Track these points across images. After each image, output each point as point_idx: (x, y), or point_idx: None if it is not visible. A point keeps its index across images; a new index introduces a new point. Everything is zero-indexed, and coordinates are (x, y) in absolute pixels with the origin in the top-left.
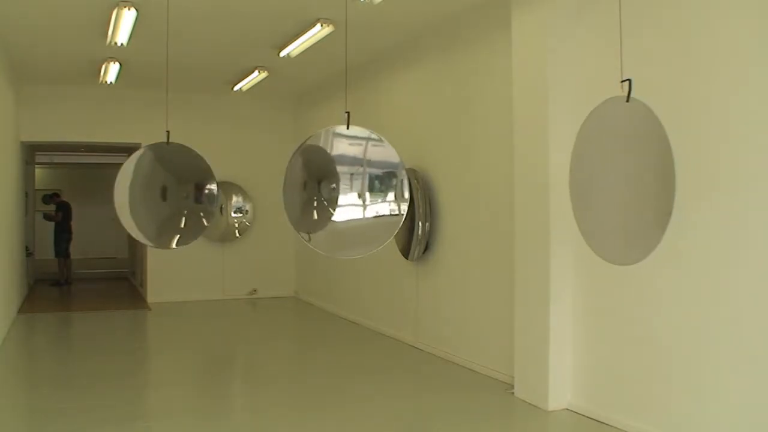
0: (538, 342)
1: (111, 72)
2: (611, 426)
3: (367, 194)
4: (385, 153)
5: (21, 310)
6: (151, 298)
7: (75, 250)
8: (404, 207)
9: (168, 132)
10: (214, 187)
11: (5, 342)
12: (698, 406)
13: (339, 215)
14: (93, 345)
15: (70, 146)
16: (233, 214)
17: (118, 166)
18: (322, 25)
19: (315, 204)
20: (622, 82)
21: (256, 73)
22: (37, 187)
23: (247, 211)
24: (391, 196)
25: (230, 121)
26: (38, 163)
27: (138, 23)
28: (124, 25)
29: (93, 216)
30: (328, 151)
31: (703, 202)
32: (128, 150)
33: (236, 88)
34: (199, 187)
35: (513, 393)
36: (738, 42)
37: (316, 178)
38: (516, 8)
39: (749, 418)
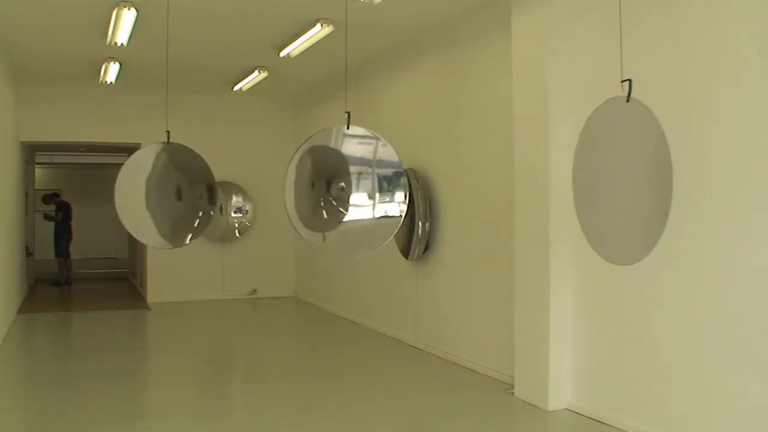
0: (538, 342)
1: (111, 72)
2: (611, 426)
3: (377, 194)
4: (385, 153)
5: (21, 310)
6: (151, 298)
7: (75, 250)
8: (403, 207)
9: (168, 132)
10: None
11: (5, 342)
12: (698, 406)
13: (349, 215)
14: (93, 345)
15: (70, 146)
16: (233, 214)
17: (118, 166)
18: (322, 25)
19: (323, 204)
20: (622, 82)
21: (256, 73)
22: (37, 187)
23: (247, 211)
24: (399, 196)
25: (230, 121)
26: (38, 163)
27: (138, 23)
28: (124, 25)
29: (93, 216)
30: (340, 150)
31: (704, 202)
32: (128, 150)
33: (236, 88)
34: (211, 188)
35: (513, 393)
36: (738, 42)
37: (325, 178)
38: (516, 8)
39: (749, 418)
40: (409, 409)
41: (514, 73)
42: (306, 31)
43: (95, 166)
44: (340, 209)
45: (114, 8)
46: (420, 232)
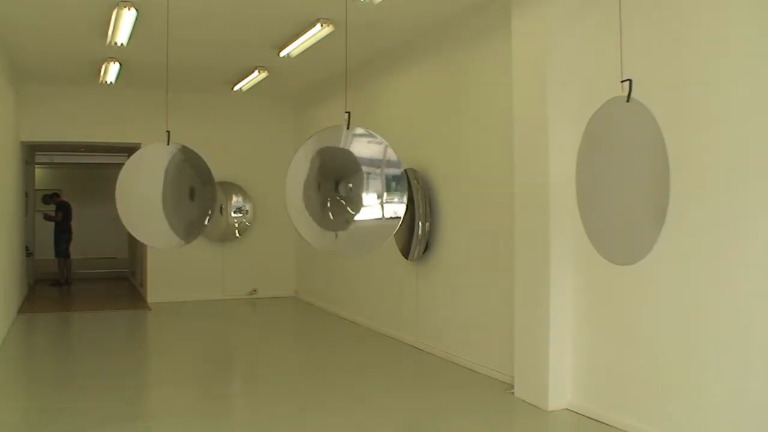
0: (538, 342)
1: (111, 72)
2: (611, 426)
3: (385, 194)
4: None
5: (21, 310)
6: (151, 298)
7: (75, 250)
8: (402, 208)
9: (168, 132)
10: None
11: (5, 342)
12: (698, 406)
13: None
14: (93, 345)
15: (70, 146)
16: (233, 214)
17: (118, 166)
18: (322, 25)
19: (329, 205)
20: (622, 82)
21: (256, 73)
22: (37, 187)
23: (247, 211)
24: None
25: (230, 121)
26: (38, 163)
27: (138, 23)
28: (124, 25)
29: (93, 216)
30: (349, 149)
31: (704, 202)
32: (128, 150)
33: (236, 88)
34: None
35: (513, 393)
36: (737, 42)
37: (333, 178)
38: (516, 8)
39: (749, 418)
40: (409, 409)
41: (514, 73)
42: (306, 31)
43: (95, 166)
44: (349, 209)
45: (114, 8)
46: (420, 232)
